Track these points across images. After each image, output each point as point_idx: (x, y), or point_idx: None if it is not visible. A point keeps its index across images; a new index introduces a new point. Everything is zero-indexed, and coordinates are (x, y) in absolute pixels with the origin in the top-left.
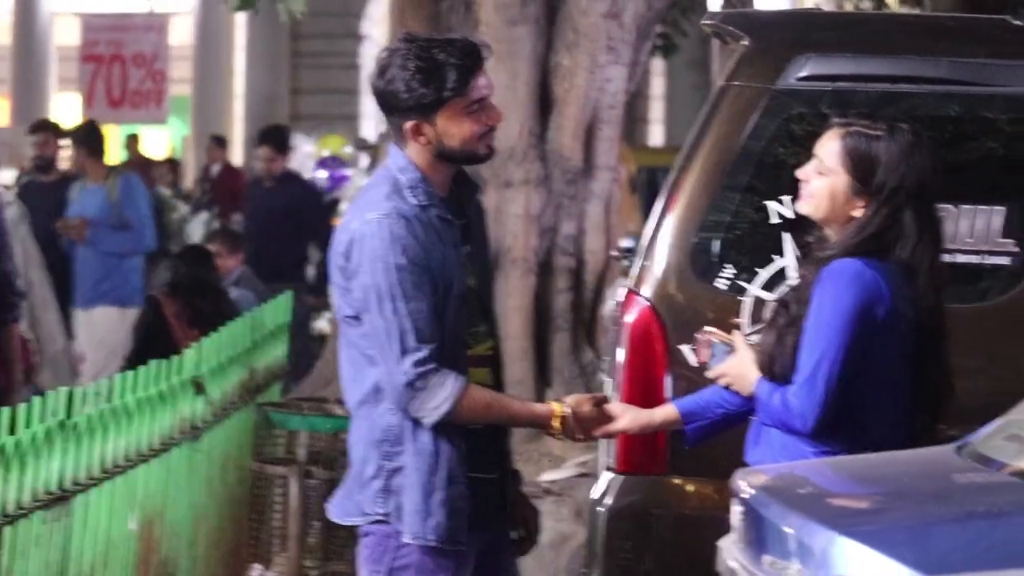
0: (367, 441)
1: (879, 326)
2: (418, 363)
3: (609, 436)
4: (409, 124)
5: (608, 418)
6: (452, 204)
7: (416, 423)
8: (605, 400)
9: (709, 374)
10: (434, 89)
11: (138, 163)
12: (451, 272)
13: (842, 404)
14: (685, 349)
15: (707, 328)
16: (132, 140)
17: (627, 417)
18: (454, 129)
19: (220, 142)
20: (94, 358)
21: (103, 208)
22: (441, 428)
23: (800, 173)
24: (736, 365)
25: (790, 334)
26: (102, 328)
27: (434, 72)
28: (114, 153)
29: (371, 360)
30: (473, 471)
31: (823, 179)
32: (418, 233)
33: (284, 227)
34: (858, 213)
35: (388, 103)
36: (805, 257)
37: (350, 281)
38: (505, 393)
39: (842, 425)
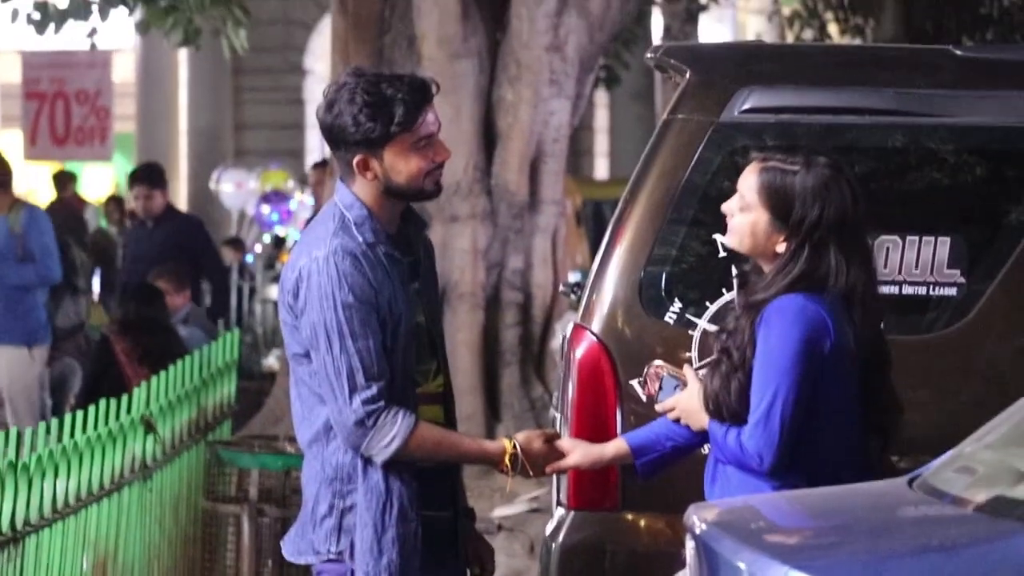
0: (319, 479)
1: (827, 358)
2: (367, 401)
3: (560, 472)
4: (356, 158)
5: (559, 454)
6: (400, 241)
7: (367, 461)
8: (556, 436)
9: (659, 407)
10: (382, 124)
11: (73, 201)
12: (400, 309)
13: (797, 439)
14: (635, 384)
15: (656, 362)
16: (67, 178)
17: (578, 452)
18: (401, 165)
19: None
20: (7, 396)
21: (6, 240)
22: (392, 466)
23: (724, 207)
24: (687, 399)
25: (735, 379)
26: (8, 368)
27: (382, 107)
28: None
29: (321, 398)
30: (426, 509)
31: (744, 215)
32: (365, 270)
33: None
34: (781, 248)
35: (335, 137)
36: (740, 288)
37: (299, 319)
38: (456, 430)
39: (798, 460)
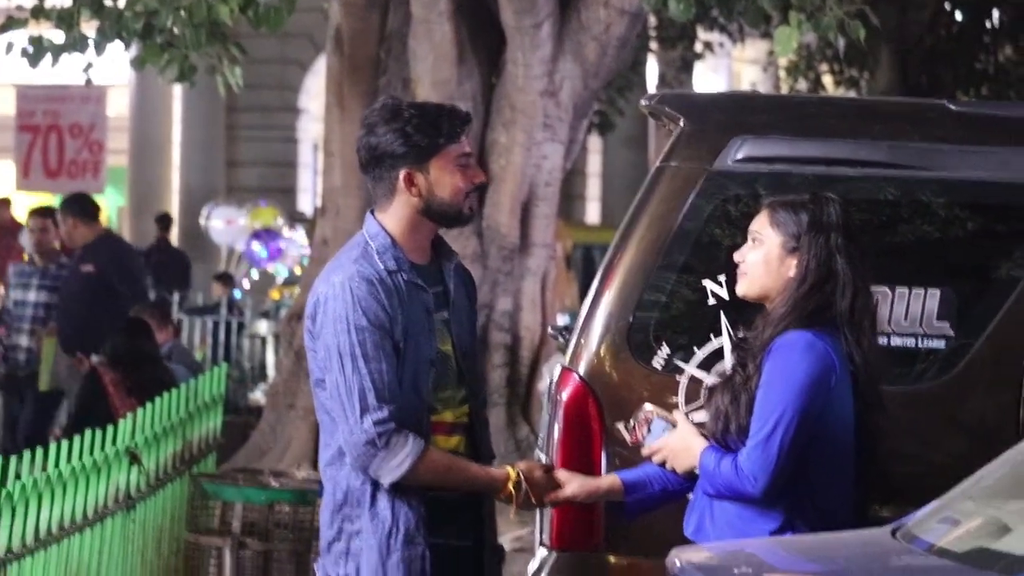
0: (332, 505)
1: (832, 394)
2: (378, 422)
3: (557, 502)
4: (402, 173)
5: (556, 484)
6: (431, 271)
7: (376, 487)
8: (552, 468)
9: (645, 451)
10: (430, 135)
11: (9, 227)
12: (417, 336)
13: (791, 471)
14: (620, 427)
15: (647, 406)
16: (2, 204)
17: (575, 484)
18: (446, 179)
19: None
20: None
21: None
22: (399, 491)
23: (736, 255)
24: (677, 440)
25: (745, 392)
26: None
27: (430, 121)
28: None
29: (337, 423)
30: (442, 537)
31: (756, 250)
32: (381, 296)
33: None
34: (792, 272)
35: (380, 155)
36: (740, 346)
37: (316, 342)
38: (487, 461)
39: (789, 492)
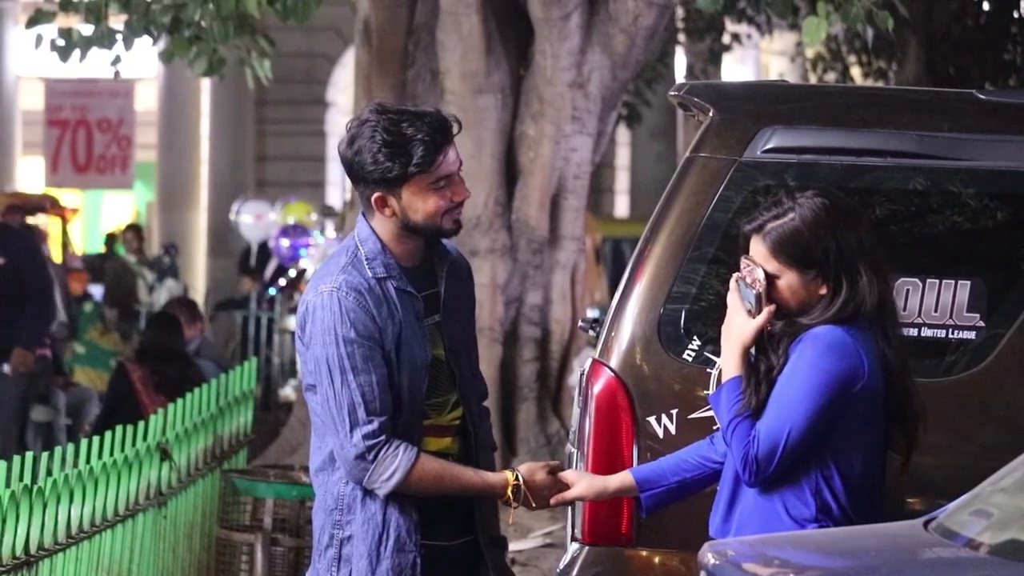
0: (323, 510)
1: (858, 394)
2: (368, 436)
3: (564, 504)
4: (375, 196)
5: (563, 485)
6: (422, 273)
7: (367, 492)
8: (560, 468)
9: (733, 282)
10: (400, 164)
11: None
12: (409, 345)
13: (814, 471)
14: (652, 420)
15: (761, 274)
16: None
17: (582, 484)
18: (419, 204)
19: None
20: None
21: None
22: (391, 497)
23: (749, 290)
24: (741, 324)
25: (766, 382)
26: None
27: (401, 147)
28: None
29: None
30: (434, 538)
31: (777, 283)
32: (369, 306)
33: None
34: (824, 291)
35: (355, 173)
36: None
37: (306, 351)
38: (479, 462)
39: (815, 486)
